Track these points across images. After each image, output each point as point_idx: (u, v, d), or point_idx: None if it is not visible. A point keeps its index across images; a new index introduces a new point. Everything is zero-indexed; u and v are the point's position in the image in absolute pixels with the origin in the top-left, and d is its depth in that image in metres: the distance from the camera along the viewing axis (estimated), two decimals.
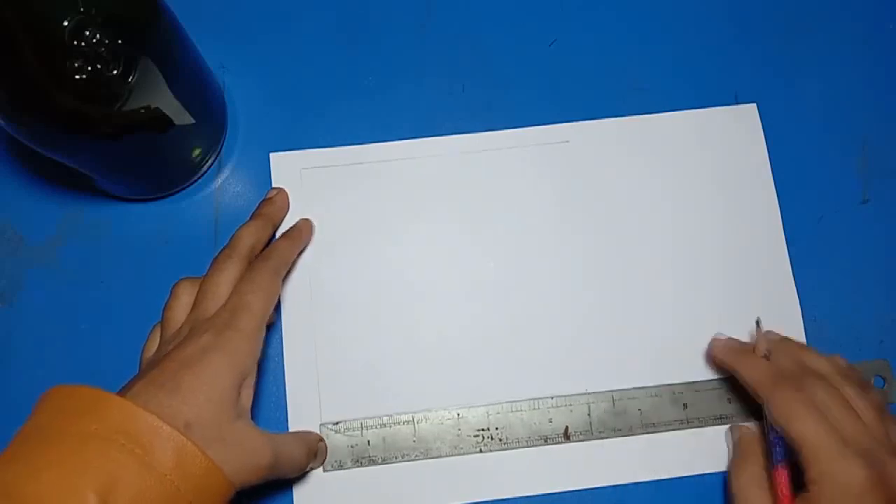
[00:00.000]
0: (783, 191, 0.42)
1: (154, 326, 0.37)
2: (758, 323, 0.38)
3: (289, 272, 0.41)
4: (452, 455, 0.38)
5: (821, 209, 0.43)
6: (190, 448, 0.28)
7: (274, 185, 0.42)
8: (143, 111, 0.33)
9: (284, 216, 0.41)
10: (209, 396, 0.31)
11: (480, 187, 0.42)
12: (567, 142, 0.43)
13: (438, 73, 0.44)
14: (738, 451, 0.38)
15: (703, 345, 0.40)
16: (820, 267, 0.42)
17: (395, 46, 0.44)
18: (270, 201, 0.41)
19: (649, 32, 0.45)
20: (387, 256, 0.41)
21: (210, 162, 0.42)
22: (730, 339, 0.40)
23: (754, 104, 0.43)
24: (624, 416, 0.39)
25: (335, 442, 0.38)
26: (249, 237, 0.38)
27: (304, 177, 0.42)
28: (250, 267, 0.37)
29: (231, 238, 0.38)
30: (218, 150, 0.42)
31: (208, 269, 0.36)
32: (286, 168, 0.42)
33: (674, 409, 0.39)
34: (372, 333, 0.40)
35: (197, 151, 0.41)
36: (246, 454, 0.31)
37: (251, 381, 0.33)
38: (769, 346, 0.38)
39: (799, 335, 0.41)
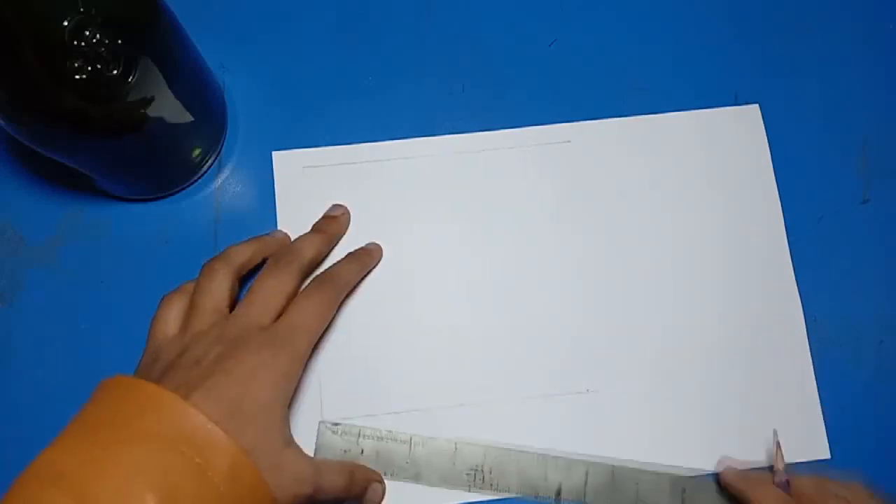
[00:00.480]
0: (783, 191, 0.42)
1: (172, 297, 0.36)
2: (775, 436, 0.38)
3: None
4: (441, 486, 0.38)
5: (821, 209, 0.43)
6: (247, 466, 0.28)
7: (276, 182, 0.42)
8: (143, 111, 0.33)
9: (343, 235, 0.41)
10: (266, 423, 0.31)
11: (483, 187, 0.42)
12: (568, 142, 0.43)
13: (438, 73, 0.44)
14: None
15: (705, 345, 0.40)
16: (820, 267, 0.42)
17: (396, 46, 0.44)
18: (335, 220, 0.40)
19: (649, 32, 0.45)
20: (389, 255, 0.41)
21: (210, 162, 0.42)
22: (741, 469, 0.38)
23: (757, 105, 0.43)
24: (620, 491, 0.38)
25: (330, 442, 0.38)
26: (311, 250, 0.38)
27: (305, 175, 0.42)
28: (315, 285, 0.36)
29: (291, 247, 0.38)
30: (218, 150, 0.42)
31: (263, 272, 0.36)
32: (288, 166, 0.42)
33: (672, 497, 0.38)
34: (372, 331, 0.40)
35: (197, 151, 0.41)
36: (292, 483, 0.31)
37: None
38: (786, 471, 0.37)
39: (800, 335, 0.41)
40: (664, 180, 0.43)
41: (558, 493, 0.38)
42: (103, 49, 0.30)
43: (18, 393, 0.39)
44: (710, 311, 0.41)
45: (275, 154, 0.42)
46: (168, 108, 0.34)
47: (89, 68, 0.30)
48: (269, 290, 0.35)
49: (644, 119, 0.43)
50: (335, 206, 0.41)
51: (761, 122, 0.43)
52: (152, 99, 0.33)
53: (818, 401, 0.40)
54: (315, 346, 0.40)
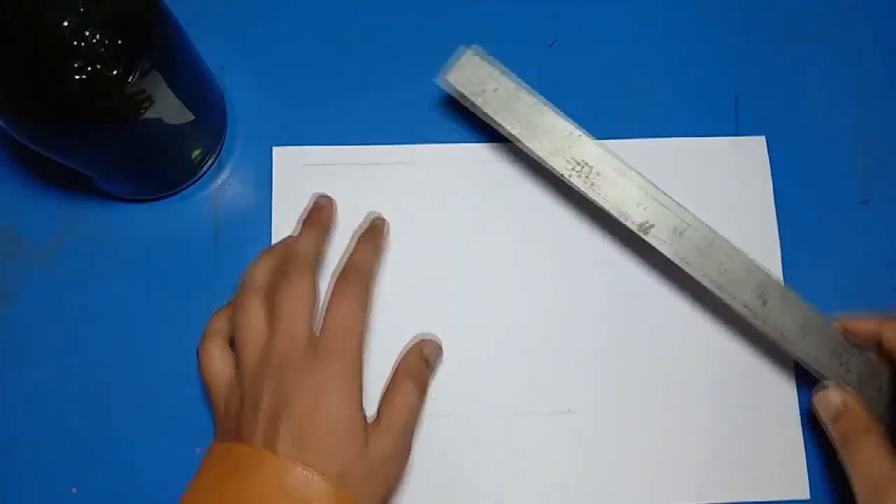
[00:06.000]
0: (783, 191, 0.42)
1: (208, 340, 0.36)
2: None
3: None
4: None
5: (821, 209, 0.43)
6: (345, 499, 0.30)
7: (275, 178, 0.42)
8: (143, 112, 0.33)
9: (334, 224, 0.40)
10: (345, 436, 0.32)
11: (481, 197, 0.42)
12: None
13: (438, 73, 0.44)
14: (845, 426, 0.35)
15: (692, 367, 0.40)
16: (819, 267, 0.42)
17: (395, 48, 0.44)
18: (323, 209, 0.40)
19: (649, 32, 0.45)
20: (388, 258, 0.41)
21: (210, 162, 0.42)
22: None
23: (763, 137, 0.43)
24: (708, 257, 0.37)
25: None
26: (311, 246, 0.37)
27: (305, 173, 0.42)
28: (343, 282, 0.35)
29: (292, 251, 0.36)
30: (218, 150, 0.42)
31: (275, 287, 0.35)
32: (288, 163, 0.42)
33: (752, 293, 0.37)
34: (369, 334, 0.40)
35: (197, 152, 0.41)
36: (387, 479, 0.34)
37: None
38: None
39: (787, 372, 0.40)
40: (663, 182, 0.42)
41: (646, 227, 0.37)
42: (103, 49, 0.30)
43: (18, 393, 0.39)
44: (697, 331, 0.40)
45: (275, 150, 0.42)
46: (168, 108, 0.34)
47: (89, 68, 0.30)
48: (292, 303, 0.34)
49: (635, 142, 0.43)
50: (319, 197, 0.41)
51: (764, 145, 0.43)
52: (152, 99, 0.33)
53: (801, 439, 0.40)
54: None
